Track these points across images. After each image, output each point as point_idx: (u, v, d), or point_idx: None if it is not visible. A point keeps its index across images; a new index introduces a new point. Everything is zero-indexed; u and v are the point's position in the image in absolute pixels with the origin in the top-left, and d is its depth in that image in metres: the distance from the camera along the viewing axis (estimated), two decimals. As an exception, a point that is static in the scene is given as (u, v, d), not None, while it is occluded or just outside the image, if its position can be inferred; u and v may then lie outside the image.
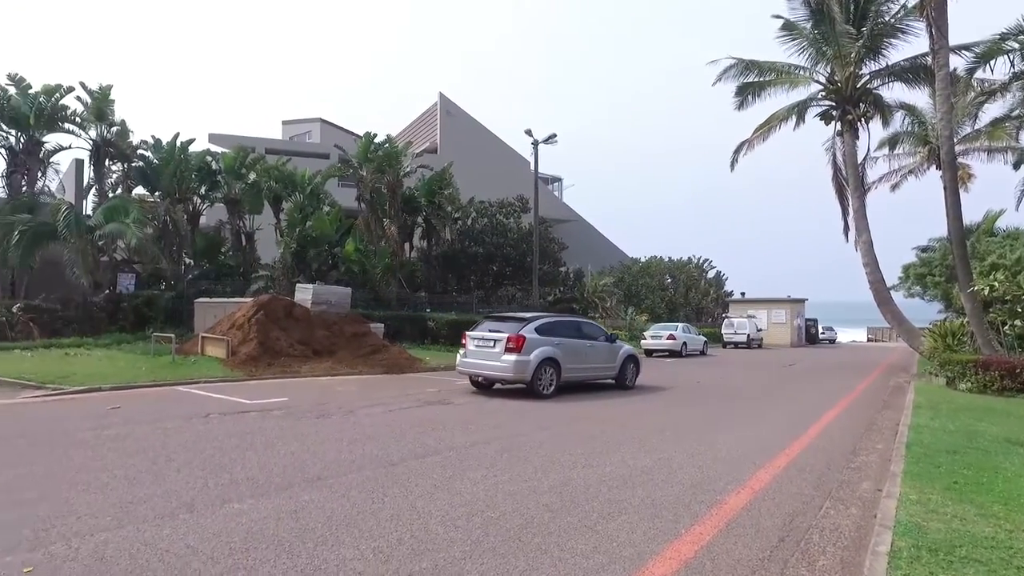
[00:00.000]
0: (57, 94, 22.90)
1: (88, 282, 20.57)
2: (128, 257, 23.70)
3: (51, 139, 23.64)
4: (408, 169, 28.94)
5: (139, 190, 26.26)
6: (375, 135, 28.49)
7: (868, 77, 22.81)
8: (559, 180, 59.05)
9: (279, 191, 27.43)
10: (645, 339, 29.88)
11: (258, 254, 28.13)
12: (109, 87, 23.77)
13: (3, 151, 22.53)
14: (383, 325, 20.62)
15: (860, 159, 23.59)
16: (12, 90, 22.33)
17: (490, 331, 13.01)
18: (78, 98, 23.50)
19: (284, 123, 50.93)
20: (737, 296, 53.12)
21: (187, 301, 21.32)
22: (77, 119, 23.64)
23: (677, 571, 4.01)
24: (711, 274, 57.08)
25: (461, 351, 13.48)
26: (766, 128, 24.83)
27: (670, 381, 16.83)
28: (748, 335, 39.59)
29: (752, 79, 24.15)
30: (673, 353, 29.15)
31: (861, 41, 21.20)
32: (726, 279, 58.57)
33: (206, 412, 9.73)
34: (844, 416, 11.38)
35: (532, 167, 28.65)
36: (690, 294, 52.58)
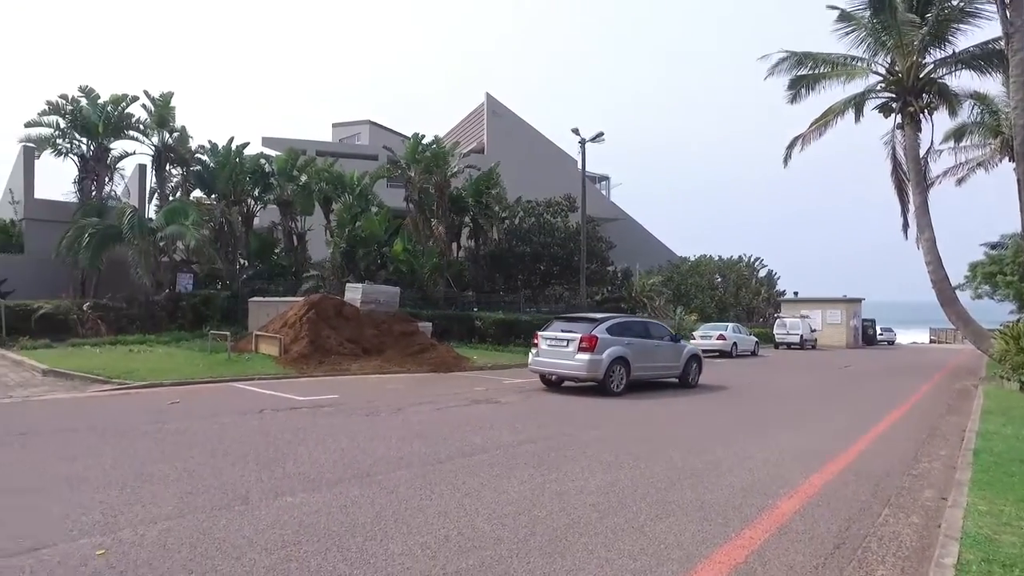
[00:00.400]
0: (123, 103, 23.92)
1: (150, 282, 21.43)
2: (186, 258, 24.57)
3: (117, 146, 24.68)
4: (455, 169, 29.13)
5: (197, 193, 27.20)
6: (423, 136, 28.81)
7: (932, 66, 21.79)
8: (607, 179, 58.59)
9: (329, 192, 28.01)
10: (694, 339, 29.33)
11: (309, 254, 28.78)
12: (170, 94, 24.70)
13: (75, 158, 23.66)
14: (431, 324, 20.82)
15: (922, 152, 22.58)
16: (83, 101, 23.43)
17: (562, 331, 13.52)
18: (143, 106, 24.50)
19: (334, 126, 51.97)
20: (790, 296, 51.66)
21: (242, 300, 21.99)
22: (141, 126, 24.63)
23: (727, 575, 3.92)
24: (762, 273, 55.68)
25: (533, 350, 13.98)
26: (822, 122, 24.01)
27: (720, 382, 16.50)
28: (801, 336, 38.47)
29: (806, 72, 23.40)
30: (723, 354, 28.56)
31: (925, 28, 20.27)
32: (778, 278, 57.06)
33: (260, 408, 10.00)
34: (904, 420, 10.93)
35: (579, 166, 28.51)
36: (740, 293, 51.40)
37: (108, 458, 6.46)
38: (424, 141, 28.66)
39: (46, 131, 23.02)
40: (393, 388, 13.22)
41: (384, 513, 4.88)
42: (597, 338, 12.91)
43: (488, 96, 47.07)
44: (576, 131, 26.14)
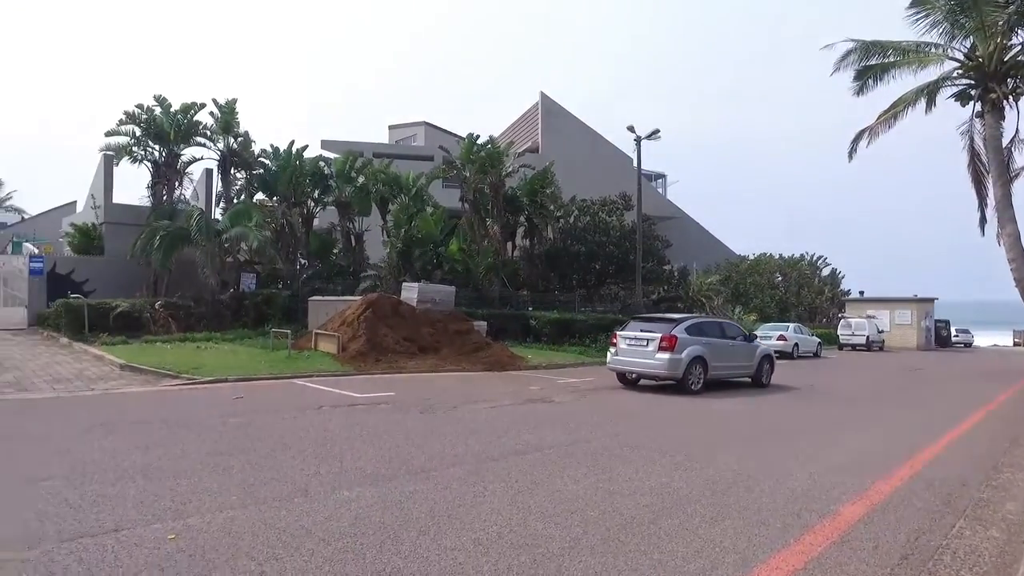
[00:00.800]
0: (192, 111, 24.99)
1: (216, 281, 22.31)
2: (250, 258, 25.47)
3: (187, 152, 25.78)
4: (510, 169, 29.19)
5: (259, 195, 28.16)
6: (477, 136, 29.00)
7: (1020, 48, 20.48)
8: (663, 176, 57.67)
9: (386, 193, 28.53)
10: (753, 339, 28.58)
11: (366, 254, 29.39)
12: (234, 101, 25.66)
13: (149, 164, 24.86)
14: (486, 323, 20.93)
15: (1005, 142, 21.29)
16: (157, 110, 24.58)
17: (641, 331, 13.88)
18: (210, 113, 25.53)
19: (391, 127, 52.90)
20: (855, 295, 49.64)
21: (301, 299, 22.65)
22: (208, 132, 25.68)
23: (788, 584, 3.79)
24: (825, 272, 53.66)
25: (612, 349, 14.39)
26: (891, 114, 22.93)
27: (782, 383, 16.00)
28: (868, 337, 36.93)
29: (875, 61, 22.38)
30: (783, 354, 27.64)
31: (1012, 7, 19.05)
32: (842, 277, 54.86)
33: (319, 404, 10.26)
34: (982, 428, 10.34)
35: (635, 164, 28.15)
36: (802, 293, 49.68)
37: (178, 449, 6.76)
38: (479, 141, 28.86)
39: (123, 140, 24.27)
40: (448, 386, 13.36)
41: (438, 509, 4.93)
42: (677, 338, 13.22)
43: (543, 95, 47.02)
44: (631, 129, 25.81)
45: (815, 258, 53.78)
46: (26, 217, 68.58)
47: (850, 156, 24.06)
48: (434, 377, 14.99)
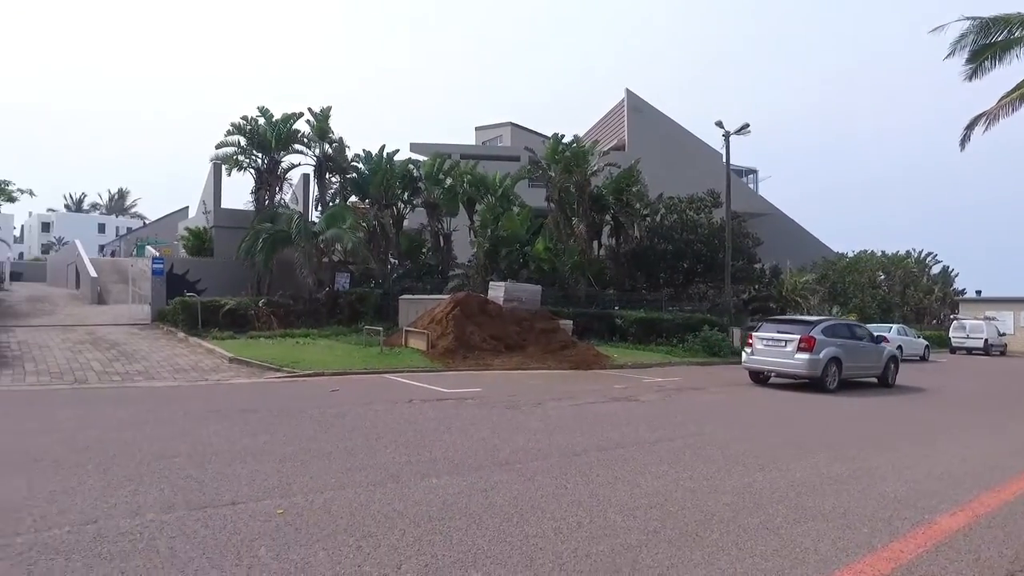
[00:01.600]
0: (292, 120, 26.51)
1: (313, 281, 23.54)
2: (344, 259, 26.68)
3: (286, 159, 27.37)
4: (595, 168, 29.12)
5: (352, 198, 29.46)
6: (562, 136, 29.11)
7: None
8: (754, 172, 55.66)
9: (473, 194, 29.13)
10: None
11: (454, 254, 30.11)
12: (328, 109, 27.01)
13: (252, 171, 26.59)
14: (571, 322, 21.00)
15: None
16: (261, 120, 26.27)
17: (778, 332, 14.81)
18: (307, 122, 26.99)
19: (477, 129, 53.86)
20: (970, 295, 45.97)
21: (392, 298, 23.53)
22: (305, 140, 27.14)
23: (875, 587, 3.69)
24: (935, 270, 50.07)
25: (747, 349, 15.33)
26: (1017, 95, 21.03)
27: (911, 384, 15.35)
28: (985, 340, 34.12)
29: (997, 38, 20.57)
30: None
31: None
32: (955, 275, 51.14)
33: (409, 398, 10.70)
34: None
35: (724, 160, 27.39)
36: (908, 292, 46.56)
37: (281, 435, 7.28)
38: (564, 141, 28.96)
39: (230, 150, 26.08)
40: (534, 383, 13.55)
41: (521, 498, 5.09)
42: (815, 339, 13.95)
43: (628, 92, 46.46)
44: (720, 124, 25.17)
45: (923, 255, 50.35)
46: (147, 222, 74.92)
47: (962, 144, 22.25)
48: (520, 374, 15.22)
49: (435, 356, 16.29)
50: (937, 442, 8.69)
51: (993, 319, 37.24)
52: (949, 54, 21.17)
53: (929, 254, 51.34)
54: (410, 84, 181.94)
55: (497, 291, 20.06)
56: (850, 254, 49.27)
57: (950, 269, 52.32)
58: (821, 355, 13.85)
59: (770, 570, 3.83)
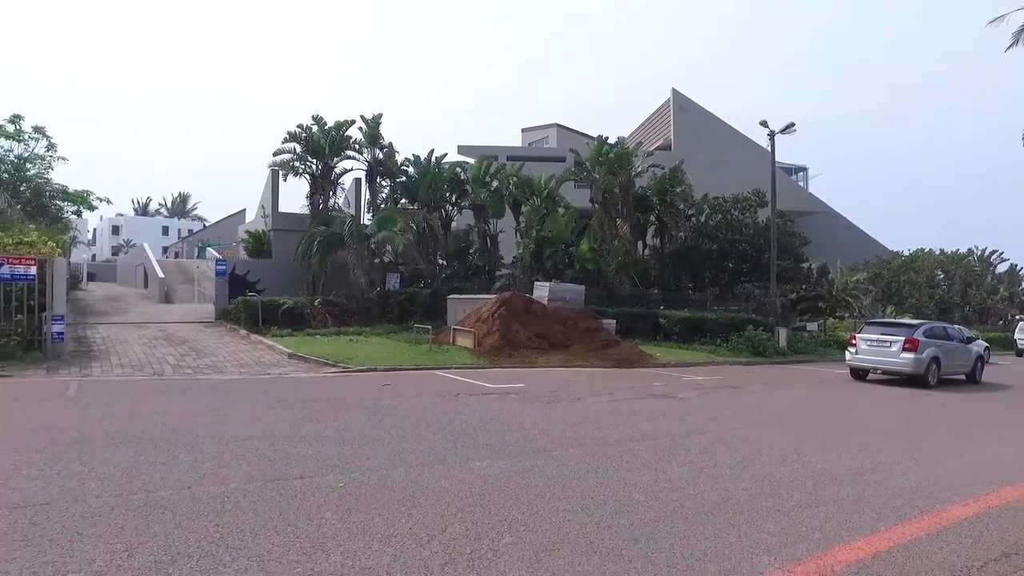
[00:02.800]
0: (344, 127, 27.65)
1: (365, 281, 24.56)
2: (394, 260, 27.67)
3: (339, 164, 28.55)
4: (639, 169, 29.34)
5: (402, 201, 30.44)
6: (607, 138, 29.43)
7: None
8: (804, 169, 54.61)
9: (518, 195, 29.72)
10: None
11: (500, 254, 30.78)
12: (379, 116, 28.03)
13: (307, 177, 27.86)
14: (615, 321, 21.36)
15: None
16: (315, 128, 27.49)
17: (882, 334, 16.34)
18: (359, 128, 28.09)
19: (523, 130, 54.48)
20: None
21: (441, 297, 24.34)
22: (357, 146, 28.23)
23: (863, 559, 4.09)
24: (1001, 268, 48.13)
25: (851, 349, 16.83)
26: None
27: (1002, 382, 15.57)
28: (1053, 341, 32.85)
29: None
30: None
31: None
32: (1023, 274, 48.95)
33: (456, 392, 11.36)
34: None
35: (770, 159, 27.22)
36: (969, 292, 44.93)
37: (340, 423, 8.02)
38: (608, 142, 29.27)
39: (287, 156, 27.40)
40: (575, 380, 14.05)
41: (554, 480, 5.65)
42: (919, 340, 15.42)
43: (674, 91, 46.31)
44: (764, 123, 25.08)
45: (987, 253, 48.47)
46: (207, 224, 78.32)
47: None
48: (563, 372, 15.73)
49: (481, 353, 16.92)
50: (974, 439, 8.82)
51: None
52: (1012, 44, 20.67)
53: (994, 252, 49.47)
54: (459, 86, 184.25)
55: (542, 291, 20.59)
56: (906, 252, 47.88)
57: (1018, 267, 50.20)
58: (924, 355, 15.31)
59: (773, 544, 4.28)
